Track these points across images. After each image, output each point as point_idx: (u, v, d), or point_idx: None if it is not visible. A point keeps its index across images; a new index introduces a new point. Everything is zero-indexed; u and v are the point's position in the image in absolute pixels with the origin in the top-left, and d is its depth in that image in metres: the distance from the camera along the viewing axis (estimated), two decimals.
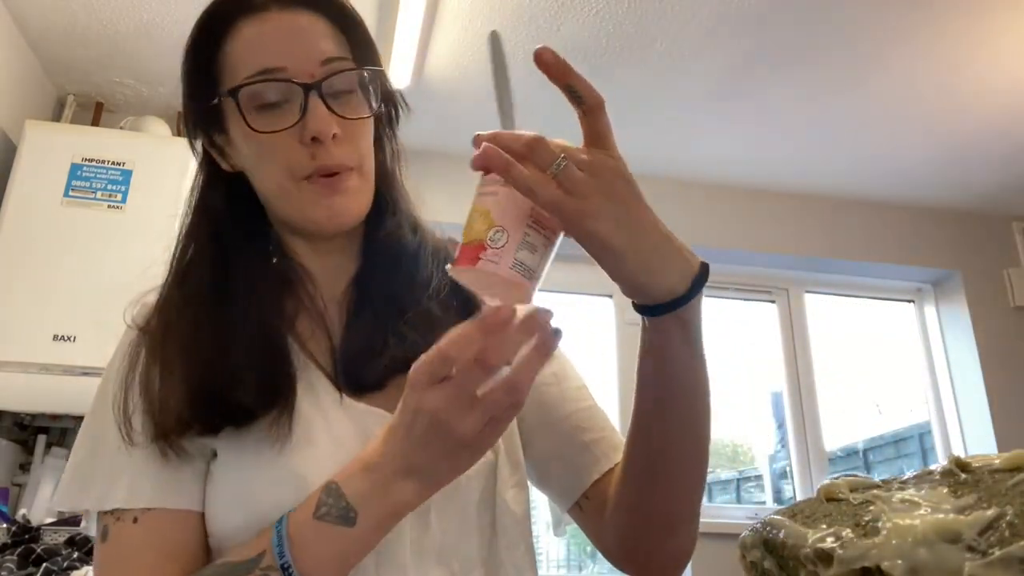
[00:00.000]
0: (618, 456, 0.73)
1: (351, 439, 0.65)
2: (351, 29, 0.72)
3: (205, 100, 0.71)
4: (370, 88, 0.71)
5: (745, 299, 3.15)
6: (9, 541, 1.68)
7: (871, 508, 0.31)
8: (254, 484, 0.62)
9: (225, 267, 0.71)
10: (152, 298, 0.75)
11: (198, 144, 0.75)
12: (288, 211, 0.70)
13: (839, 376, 3.11)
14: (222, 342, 0.66)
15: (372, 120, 0.72)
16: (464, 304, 0.72)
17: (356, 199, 0.70)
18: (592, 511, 0.73)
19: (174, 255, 0.75)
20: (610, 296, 2.96)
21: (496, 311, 0.50)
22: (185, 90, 0.75)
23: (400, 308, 0.71)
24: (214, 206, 0.75)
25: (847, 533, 0.31)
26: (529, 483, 0.77)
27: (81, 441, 0.69)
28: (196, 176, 0.78)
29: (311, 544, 0.56)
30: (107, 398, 0.68)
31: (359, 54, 0.71)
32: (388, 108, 0.77)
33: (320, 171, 0.67)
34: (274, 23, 0.68)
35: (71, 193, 2.15)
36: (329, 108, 0.66)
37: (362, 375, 0.68)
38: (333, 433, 0.65)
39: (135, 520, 0.63)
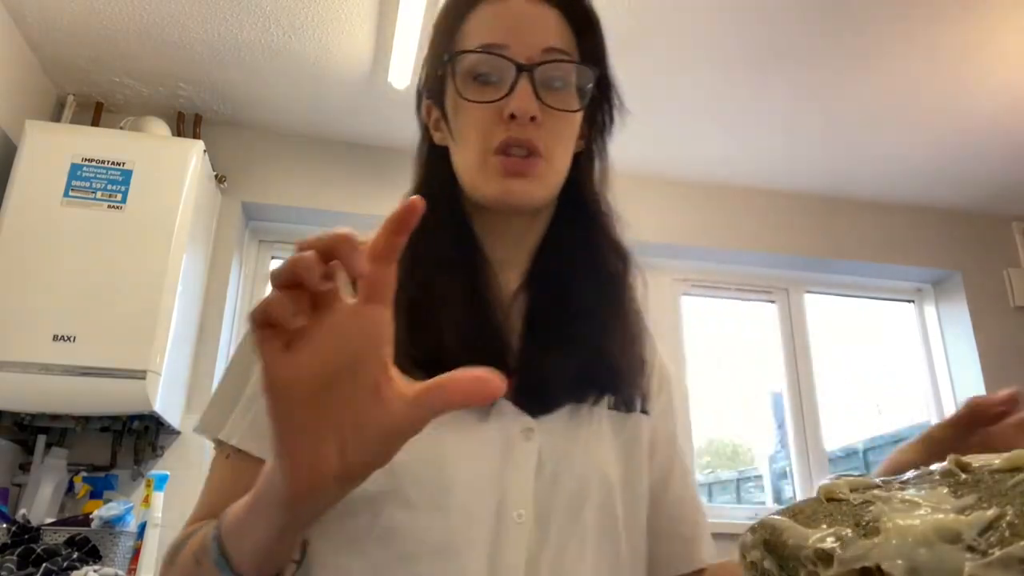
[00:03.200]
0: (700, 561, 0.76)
1: (488, 433, 0.66)
2: (586, 30, 0.74)
3: (436, 66, 0.74)
4: (585, 88, 0.72)
5: (745, 299, 3.15)
6: (9, 541, 1.68)
7: (871, 508, 0.31)
8: (402, 452, 0.62)
9: (459, 235, 0.73)
10: None
11: (423, 111, 0.78)
12: (473, 183, 0.71)
13: (839, 376, 3.11)
14: (481, 314, 0.68)
15: (578, 120, 0.74)
16: (637, 350, 0.74)
17: (536, 184, 0.70)
18: None
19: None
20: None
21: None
22: (426, 55, 0.78)
23: (587, 340, 0.71)
24: (437, 177, 0.76)
25: (847, 533, 0.31)
26: None
27: (227, 368, 0.72)
28: (419, 147, 0.80)
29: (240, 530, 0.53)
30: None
31: (587, 55, 0.73)
32: (602, 116, 0.77)
33: (509, 143, 0.68)
34: (513, 6, 0.71)
35: (71, 193, 2.15)
36: (536, 93, 0.68)
37: (543, 399, 0.68)
38: (482, 426, 0.66)
39: (227, 456, 0.65)
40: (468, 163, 0.71)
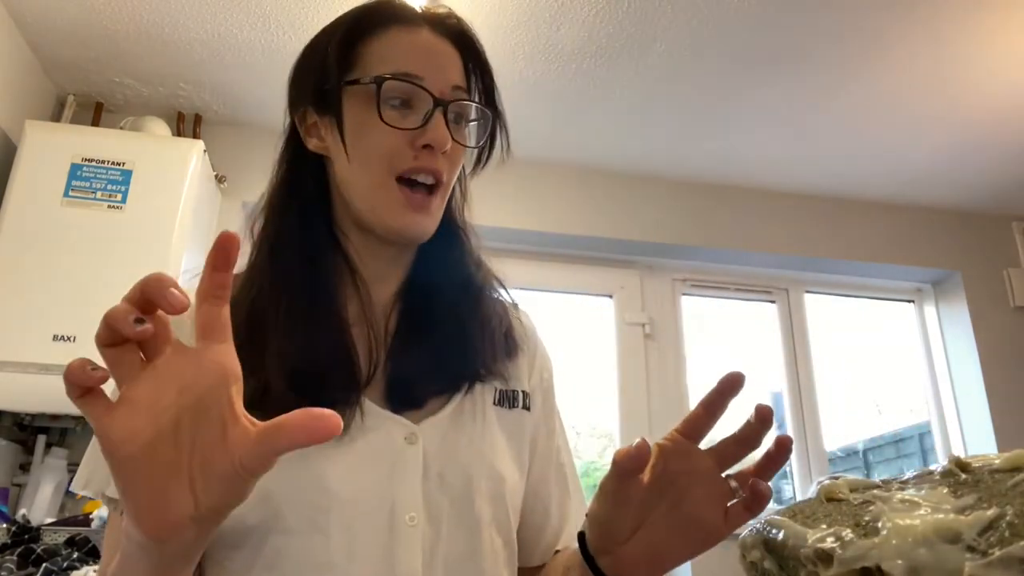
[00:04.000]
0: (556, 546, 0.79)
1: (372, 445, 0.67)
2: (482, 72, 0.78)
3: (326, 80, 0.74)
4: (481, 126, 0.78)
5: (745, 299, 3.15)
6: (9, 541, 1.68)
7: (871, 508, 0.31)
8: (278, 480, 0.62)
9: (314, 250, 0.74)
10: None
11: (296, 118, 0.79)
12: (369, 206, 0.72)
13: (839, 376, 3.11)
14: (315, 330, 0.69)
15: (467, 155, 0.78)
16: (510, 348, 0.78)
17: (433, 219, 0.74)
18: None
19: (262, 227, 0.77)
20: (610, 296, 2.97)
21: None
22: (306, 64, 0.80)
23: (445, 334, 0.74)
24: (304, 184, 0.77)
25: (847, 533, 0.31)
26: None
27: None
28: (282, 151, 0.81)
29: None
30: None
31: (486, 97, 0.78)
32: (484, 151, 0.81)
33: (417, 170, 0.71)
34: (424, 39, 0.74)
35: (71, 193, 2.15)
36: (448, 126, 0.71)
37: (410, 396, 0.71)
38: (364, 440, 0.67)
39: (119, 512, 0.65)
40: (366, 184, 0.72)
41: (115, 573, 0.50)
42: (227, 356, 0.43)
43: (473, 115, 0.77)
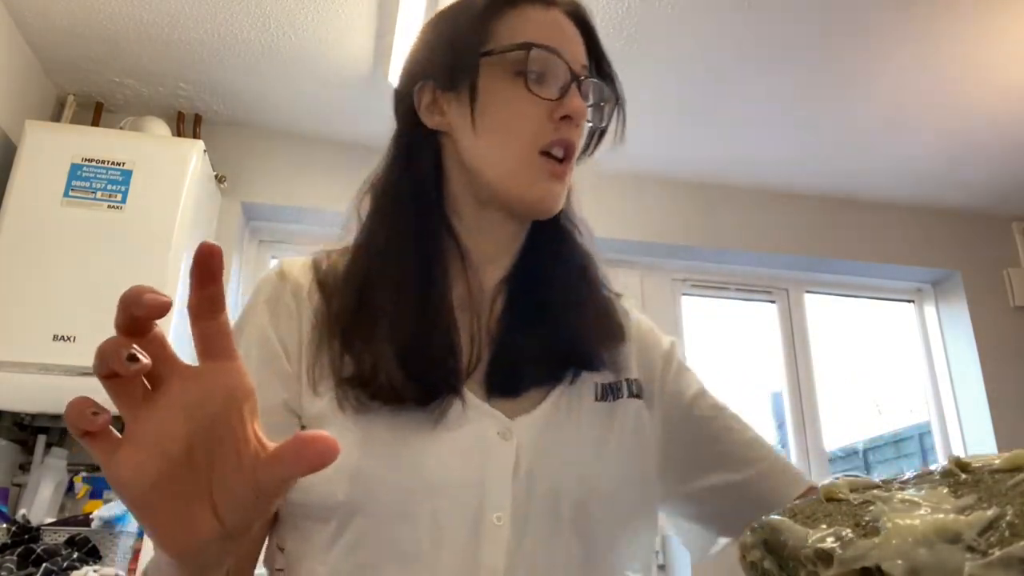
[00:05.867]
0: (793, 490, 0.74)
1: (467, 437, 0.66)
2: (598, 62, 0.78)
3: (459, 54, 0.73)
4: (603, 109, 0.78)
5: (745, 299, 3.15)
6: (9, 541, 1.68)
7: (871, 508, 0.31)
8: (371, 460, 0.62)
9: (427, 231, 0.73)
10: (296, 262, 0.76)
11: (415, 92, 0.76)
12: (507, 179, 0.71)
13: (839, 376, 3.11)
14: (423, 315, 0.68)
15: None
16: (617, 336, 0.76)
17: (564, 191, 0.74)
18: None
19: (373, 206, 0.77)
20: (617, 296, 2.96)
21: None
22: (431, 40, 0.78)
23: (554, 322, 0.73)
24: (420, 162, 0.76)
25: (847, 533, 0.31)
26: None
27: None
28: (398, 130, 0.80)
29: None
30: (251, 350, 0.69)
31: (610, 81, 0.79)
32: (596, 138, 0.80)
33: (556, 143, 0.70)
34: (556, 18, 0.74)
35: (71, 193, 2.15)
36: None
37: (511, 384, 0.70)
38: (460, 431, 0.66)
39: None
40: (505, 157, 0.71)
41: (150, 573, 0.50)
42: (233, 375, 0.42)
43: (596, 97, 0.77)
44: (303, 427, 0.67)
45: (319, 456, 0.38)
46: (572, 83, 0.71)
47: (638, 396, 0.76)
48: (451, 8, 0.77)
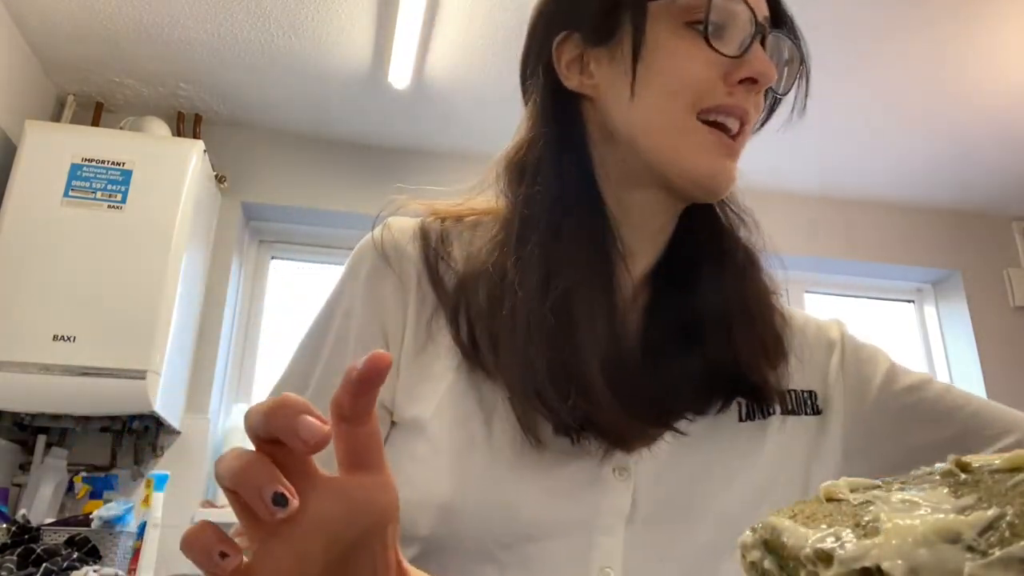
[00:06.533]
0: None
1: (575, 474, 0.55)
2: (785, 16, 0.63)
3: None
4: (785, 72, 0.63)
5: None
6: (9, 541, 1.68)
7: (871, 508, 0.31)
8: (462, 494, 0.53)
9: (604, 220, 0.59)
10: (402, 226, 0.63)
11: (554, 47, 0.62)
12: (669, 149, 0.58)
13: None
14: (576, 335, 0.55)
15: None
16: (779, 354, 0.61)
17: (735, 169, 0.61)
18: None
19: (518, 185, 0.61)
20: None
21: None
22: None
23: (715, 334, 0.59)
24: (570, 132, 0.61)
25: (847, 533, 0.31)
26: None
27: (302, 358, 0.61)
28: (538, 94, 0.63)
29: None
30: (351, 319, 0.60)
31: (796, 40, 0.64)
32: (769, 109, 0.66)
33: (725, 110, 0.57)
34: None
35: (71, 193, 2.15)
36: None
37: (650, 416, 0.56)
38: (568, 466, 0.55)
39: None
40: (663, 124, 0.57)
41: None
42: (382, 491, 0.36)
43: (777, 58, 0.61)
44: (393, 423, 0.59)
45: None
46: (756, 37, 0.56)
47: (796, 412, 0.63)
48: None
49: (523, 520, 0.53)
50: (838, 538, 0.30)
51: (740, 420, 0.60)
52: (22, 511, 1.97)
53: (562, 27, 0.62)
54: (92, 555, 1.77)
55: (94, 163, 2.19)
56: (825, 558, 0.30)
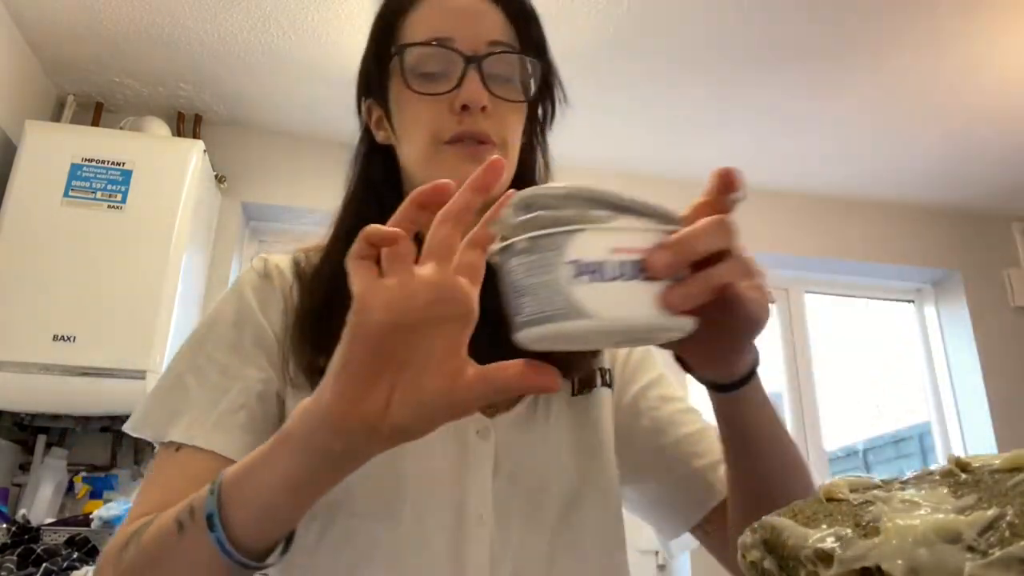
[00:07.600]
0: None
1: (444, 435, 0.61)
2: (526, 23, 0.73)
3: (377, 63, 0.73)
4: (530, 80, 0.72)
5: None
6: (9, 541, 1.68)
7: (871, 508, 0.31)
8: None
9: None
10: (278, 257, 0.76)
11: (363, 111, 0.77)
12: (425, 177, 0.65)
13: (839, 376, 3.11)
14: None
15: (524, 112, 0.73)
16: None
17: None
18: (714, 533, 0.73)
19: (339, 219, 0.77)
20: None
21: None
22: (364, 53, 0.77)
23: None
24: (374, 176, 0.76)
25: (847, 533, 0.31)
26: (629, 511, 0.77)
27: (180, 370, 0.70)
28: (357, 147, 0.80)
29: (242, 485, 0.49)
30: (224, 335, 0.68)
31: (530, 47, 0.73)
32: (543, 109, 0.77)
33: (461, 136, 0.67)
34: (455, 1, 0.71)
35: (71, 193, 2.15)
36: (484, 83, 0.67)
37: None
38: (440, 429, 0.63)
39: (176, 450, 0.63)
40: (417, 157, 0.69)
41: (239, 470, 0.48)
42: (476, 299, 0.43)
43: (519, 69, 0.71)
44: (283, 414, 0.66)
45: (548, 386, 0.42)
46: (467, 68, 0.67)
47: (608, 385, 0.75)
48: (375, 15, 0.76)
49: (404, 475, 0.63)
50: (838, 538, 0.30)
51: (572, 394, 0.72)
52: (22, 511, 1.97)
53: (365, 94, 0.77)
54: (92, 555, 1.77)
55: (94, 163, 2.19)
56: (825, 558, 0.30)
